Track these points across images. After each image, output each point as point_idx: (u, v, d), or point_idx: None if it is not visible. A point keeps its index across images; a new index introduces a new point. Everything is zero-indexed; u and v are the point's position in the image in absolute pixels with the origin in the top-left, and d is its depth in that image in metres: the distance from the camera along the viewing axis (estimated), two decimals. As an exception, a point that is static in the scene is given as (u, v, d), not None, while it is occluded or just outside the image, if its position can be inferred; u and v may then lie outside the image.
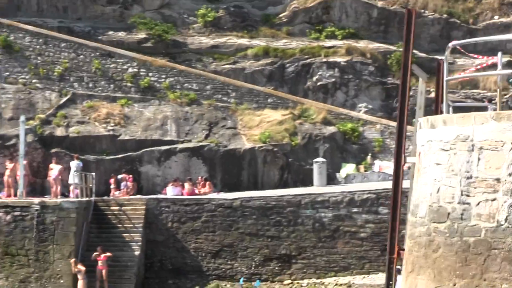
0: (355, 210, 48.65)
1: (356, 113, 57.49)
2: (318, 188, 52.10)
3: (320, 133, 55.40)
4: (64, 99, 57.17)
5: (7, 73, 57.74)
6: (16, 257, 45.25)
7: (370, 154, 54.89)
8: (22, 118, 50.84)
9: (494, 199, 14.67)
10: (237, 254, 49.00)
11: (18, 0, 62.96)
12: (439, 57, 59.39)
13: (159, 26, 60.21)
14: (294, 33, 61.53)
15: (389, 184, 50.50)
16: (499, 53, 18.17)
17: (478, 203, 14.94)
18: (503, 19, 57.88)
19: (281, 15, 62.05)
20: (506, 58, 45.84)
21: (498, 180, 14.66)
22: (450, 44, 18.95)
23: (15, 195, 50.16)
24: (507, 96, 52.60)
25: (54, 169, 51.26)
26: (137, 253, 47.51)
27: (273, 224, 48.91)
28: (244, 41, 60.56)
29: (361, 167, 54.46)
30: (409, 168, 23.57)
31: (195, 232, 49.37)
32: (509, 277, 14.43)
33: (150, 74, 57.17)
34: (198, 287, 47.90)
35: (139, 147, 54.95)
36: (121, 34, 62.10)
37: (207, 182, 53.06)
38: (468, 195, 15.12)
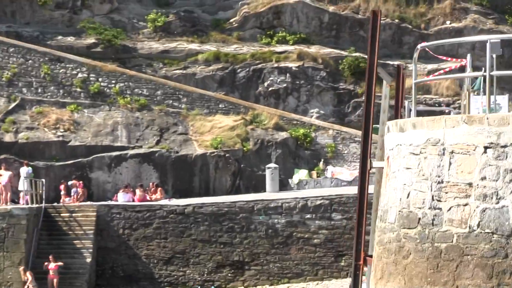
0: (308, 216, 48.64)
1: (308, 118, 57.37)
2: (270, 194, 52.01)
3: (272, 138, 55.31)
4: (13, 104, 56.28)
5: (-46, 79, 56.61)
6: (-33, 264, 44.82)
7: (322, 160, 54.89)
8: (-30, 124, 50.58)
9: (466, 204, 14.54)
10: (190, 261, 48.83)
11: (-36, 5, 62.07)
12: (391, 62, 60.11)
13: (109, 31, 59.81)
14: (245, 38, 61.39)
15: (342, 190, 51.20)
16: (468, 56, 18.22)
17: (450, 208, 14.78)
18: (455, 24, 58.21)
19: (231, 20, 61.89)
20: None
21: (470, 184, 14.52)
22: (418, 46, 18.92)
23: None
24: (459, 101, 52.86)
25: (4, 175, 50.16)
26: (88, 260, 47.12)
27: (225, 231, 48.78)
28: (194, 46, 60.34)
29: (314, 173, 54.45)
30: (373, 173, 23.57)
31: (146, 239, 49.12)
32: (482, 283, 14.32)
33: (100, 79, 56.77)
34: (150, 294, 47.71)
35: (89, 153, 54.41)
36: (70, 39, 61.21)
37: (159, 188, 52.80)
38: (439, 200, 14.95)
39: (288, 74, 59.27)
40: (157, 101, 56.34)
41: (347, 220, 48.83)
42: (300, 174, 54.12)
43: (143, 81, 57.00)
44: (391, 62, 59.08)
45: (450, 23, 58.30)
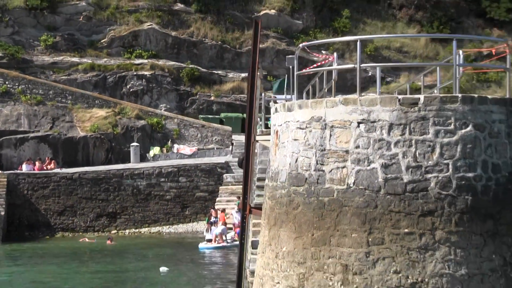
0: (162, 179, 48.47)
1: (159, 111, 56.99)
2: (134, 164, 51.45)
3: (134, 125, 54.59)
4: None
5: None
6: None
7: (170, 140, 54.69)
8: None
9: (344, 167, 14.32)
10: (77, 212, 48.06)
11: None
12: (216, 72, 60.49)
13: (12, 47, 57.64)
14: (112, 54, 60.22)
15: (185, 161, 51.15)
16: (335, 53, 18.11)
17: (331, 170, 14.50)
18: (261, 45, 58.73)
19: (102, 41, 60.67)
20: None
21: (347, 151, 14.32)
22: (300, 45, 18.38)
23: None
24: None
25: None
26: (2, 213, 45.50)
27: (102, 190, 48.16)
28: (76, 59, 58.92)
29: (164, 149, 54.15)
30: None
31: (45, 197, 48.01)
32: (357, 228, 14.08)
33: (7, 82, 54.79)
34: (48, 236, 46.69)
35: (0, 136, 52.70)
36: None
37: (52, 161, 51.45)
38: (322, 164, 14.64)
39: (144, 80, 58.62)
40: (50, 98, 54.79)
41: (190, 182, 48.77)
42: (154, 150, 53.76)
43: (39, 84, 55.40)
44: (215, 72, 59.78)
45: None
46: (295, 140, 15.35)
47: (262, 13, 59.07)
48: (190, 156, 52.61)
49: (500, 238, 14.53)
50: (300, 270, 14.86)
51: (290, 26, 60.51)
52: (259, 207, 17.69)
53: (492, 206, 14.49)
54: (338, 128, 14.72)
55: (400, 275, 14.12)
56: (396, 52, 56.47)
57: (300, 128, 15.27)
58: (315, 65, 21.17)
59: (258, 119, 28.19)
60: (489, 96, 14.97)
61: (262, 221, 16.61)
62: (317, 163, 14.93)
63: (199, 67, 59.73)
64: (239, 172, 43.36)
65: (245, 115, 53.92)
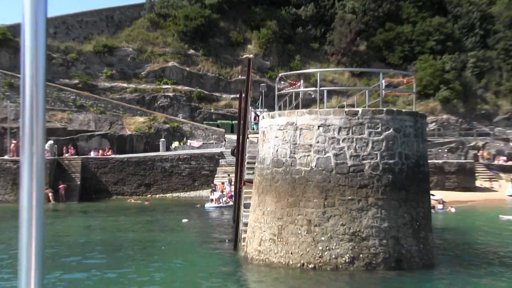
0: (180, 162, 47.38)
1: (178, 118, 55.36)
2: (162, 152, 49.81)
3: (162, 127, 53.31)
4: None
5: None
6: None
7: (185, 137, 53.66)
8: None
9: (308, 155, 14.05)
10: (125, 183, 47.09)
11: None
12: (215, 94, 59.73)
13: (85, 77, 55.37)
14: (148, 81, 58.28)
15: (194, 151, 50.22)
16: (301, 81, 17.81)
17: (300, 157, 14.21)
18: (242, 76, 58.17)
19: (142, 73, 59.19)
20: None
21: (311, 145, 14.03)
22: (280, 75, 18.18)
23: None
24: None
25: None
26: (78, 183, 44.28)
27: (142, 169, 47.23)
28: (125, 85, 56.62)
29: (181, 143, 53.06)
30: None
31: (105, 173, 46.37)
32: (317, 195, 13.79)
33: (81, 99, 52.51)
34: (107, 198, 45.73)
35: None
36: None
37: (110, 150, 49.62)
38: (294, 153, 14.32)
39: (168, 98, 57.67)
40: (108, 109, 52.69)
41: (198, 164, 47.81)
42: (175, 144, 52.81)
43: (102, 100, 53.33)
44: (214, 93, 58.97)
45: (240, 76, 57.99)
46: (276, 137, 14.92)
47: (244, 56, 58.47)
48: (198, 148, 51.84)
49: (409, 202, 14.35)
50: (279, 223, 14.54)
51: (262, 65, 59.86)
52: (250, 181, 17.30)
53: (404, 182, 14.27)
54: (305, 130, 14.37)
55: (345, 226, 13.87)
56: (329, 82, 56.18)
57: (279, 130, 14.85)
58: (288, 88, 20.59)
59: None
60: (403, 110, 14.80)
61: (253, 190, 16.17)
62: (291, 153, 14.56)
63: (204, 91, 58.92)
64: (230, 158, 42.99)
65: (233, 122, 53.83)
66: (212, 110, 58.46)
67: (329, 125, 14.13)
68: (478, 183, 43.51)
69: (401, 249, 13.98)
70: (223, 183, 40.30)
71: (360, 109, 14.25)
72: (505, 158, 50.36)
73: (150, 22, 60.34)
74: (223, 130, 54.89)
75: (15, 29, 51.23)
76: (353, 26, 58.31)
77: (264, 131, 15.66)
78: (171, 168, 48.11)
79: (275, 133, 14.93)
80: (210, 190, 41.33)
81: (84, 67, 57.24)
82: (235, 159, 42.06)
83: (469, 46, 57.30)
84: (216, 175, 46.08)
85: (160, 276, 14.47)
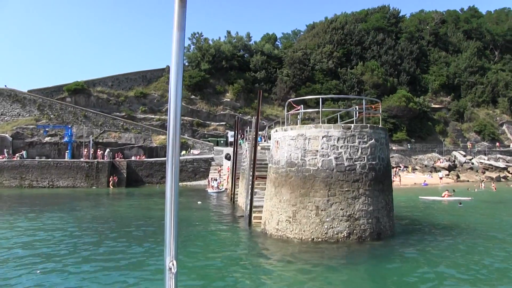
0: (187, 163, 42.67)
1: (185, 137, 50.73)
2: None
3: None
4: None
5: None
6: None
7: (189, 148, 48.77)
8: None
9: (315, 158, 10.65)
10: (153, 176, 41.67)
11: None
12: (207, 122, 55.27)
13: (128, 111, 50.02)
14: (167, 115, 54.51)
15: (195, 157, 45.54)
16: (301, 106, 14.57)
17: (309, 160, 10.76)
18: (222, 112, 54.32)
19: (164, 109, 54.46)
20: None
21: (317, 151, 10.68)
22: (289, 100, 14.44)
23: None
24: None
25: None
26: (125, 175, 39.01)
27: (164, 168, 42.15)
28: (152, 116, 51.67)
29: (186, 152, 48.29)
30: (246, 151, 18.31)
31: (141, 169, 41.03)
32: (323, 188, 10.45)
33: (125, 125, 47.68)
34: (142, 186, 40.46)
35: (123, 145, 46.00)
36: None
37: (144, 155, 44.97)
38: (304, 157, 10.88)
39: (179, 125, 53.09)
40: (142, 131, 47.46)
41: (197, 165, 43.08)
42: (183, 152, 47.91)
43: (138, 125, 47.33)
44: (206, 122, 54.60)
45: (222, 112, 53.90)
46: (289, 145, 11.52)
47: (224, 99, 54.73)
48: (197, 155, 47.36)
49: (384, 192, 11.21)
50: (293, 208, 11.06)
51: (234, 105, 56.06)
52: (261, 176, 13.71)
53: (381, 177, 11.15)
54: (312, 139, 11.06)
55: (343, 210, 10.56)
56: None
57: (292, 139, 11.47)
58: (294, 110, 16.73)
59: (243, 138, 23.57)
60: (380, 126, 11.72)
61: (268, 183, 12.51)
62: (301, 156, 11.17)
63: (200, 120, 54.52)
64: (219, 160, 38.84)
65: (218, 139, 49.83)
66: (205, 132, 53.98)
67: (330, 136, 11.06)
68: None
69: (380, 225, 10.86)
70: (220, 176, 36.04)
71: (352, 125, 11.05)
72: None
73: (168, 79, 55.34)
74: (212, 144, 50.70)
75: (88, 82, 46.23)
76: (287, 84, 55.91)
77: (277, 141, 12.21)
78: (181, 167, 43.50)
79: (288, 142, 11.63)
80: (207, 180, 36.97)
81: (128, 106, 51.69)
82: (225, 161, 37.90)
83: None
84: (210, 172, 41.96)
85: (199, 245, 10.67)
